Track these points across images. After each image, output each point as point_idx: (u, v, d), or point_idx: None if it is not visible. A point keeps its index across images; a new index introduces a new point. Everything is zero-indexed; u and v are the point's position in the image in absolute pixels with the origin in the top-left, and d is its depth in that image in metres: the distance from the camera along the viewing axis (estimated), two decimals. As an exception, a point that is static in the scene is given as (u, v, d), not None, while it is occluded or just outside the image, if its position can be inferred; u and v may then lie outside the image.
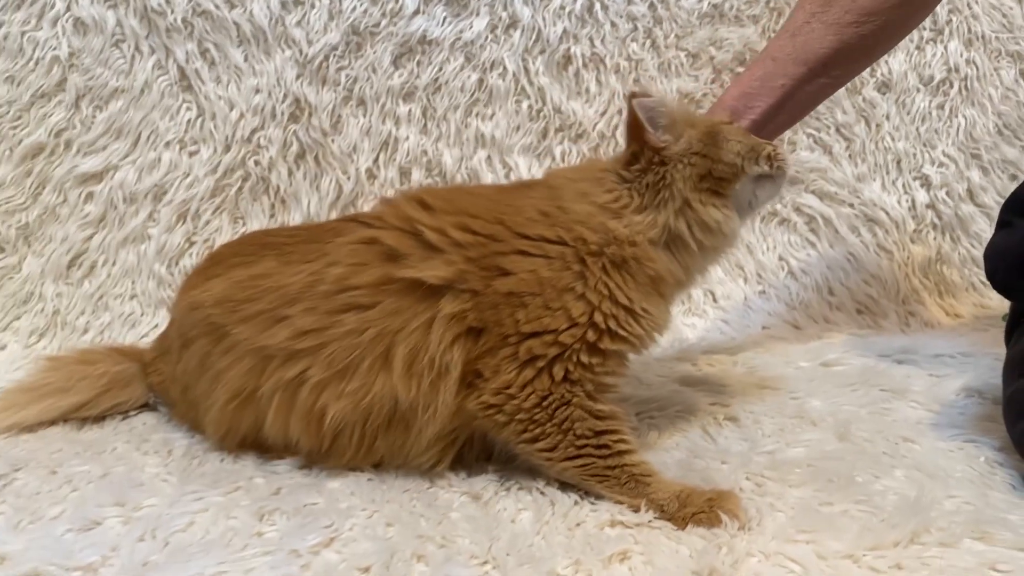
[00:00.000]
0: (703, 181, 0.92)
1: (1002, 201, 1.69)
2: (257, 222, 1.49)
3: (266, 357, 0.91)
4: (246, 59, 1.49)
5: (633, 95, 0.92)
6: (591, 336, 0.88)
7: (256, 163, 1.49)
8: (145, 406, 1.16)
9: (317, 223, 1.23)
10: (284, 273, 0.93)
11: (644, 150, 0.92)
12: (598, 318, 0.88)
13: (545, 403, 0.87)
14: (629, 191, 0.93)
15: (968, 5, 1.65)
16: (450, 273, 0.88)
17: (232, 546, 0.78)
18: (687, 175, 0.92)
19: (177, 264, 1.48)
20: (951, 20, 1.64)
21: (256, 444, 0.97)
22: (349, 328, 0.89)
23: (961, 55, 1.65)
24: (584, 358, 0.88)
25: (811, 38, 1.12)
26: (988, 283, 1.15)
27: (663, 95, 0.93)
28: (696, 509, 0.82)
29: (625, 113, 0.94)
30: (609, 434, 0.88)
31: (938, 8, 1.64)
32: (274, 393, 0.92)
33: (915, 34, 1.64)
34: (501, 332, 0.87)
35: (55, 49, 1.46)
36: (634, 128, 0.93)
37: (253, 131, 1.48)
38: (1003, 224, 1.07)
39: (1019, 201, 1.03)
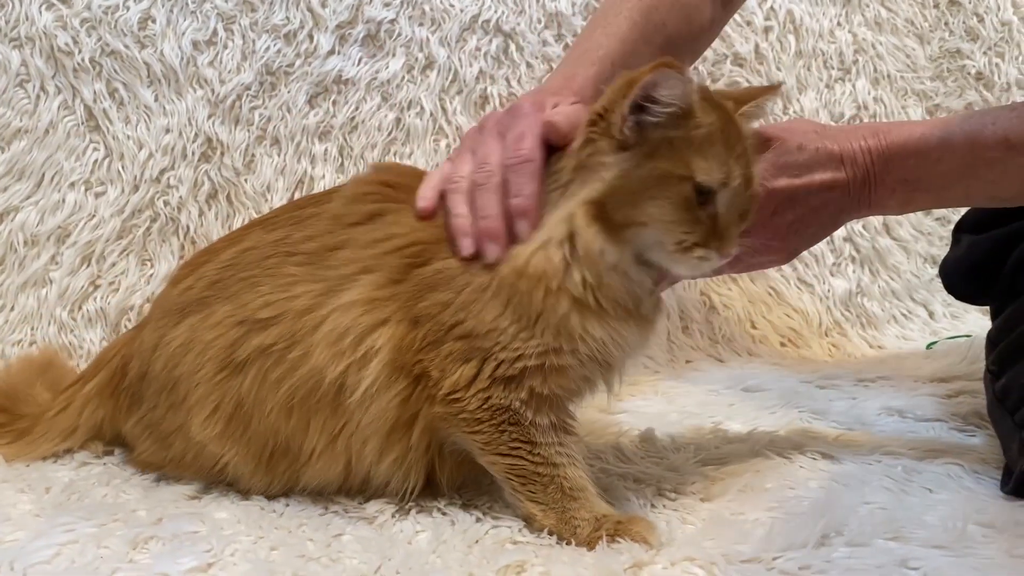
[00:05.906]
0: None
1: (918, 234, 1.73)
2: (166, 263, 1.43)
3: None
4: (156, 99, 1.46)
5: None
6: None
7: (165, 203, 1.44)
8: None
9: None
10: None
11: None
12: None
13: (486, 405, 0.81)
14: None
15: (872, 46, 1.70)
16: None
17: (99, 574, 0.72)
18: None
19: (80, 309, 1.40)
20: (857, 60, 1.69)
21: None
22: None
23: (869, 93, 1.69)
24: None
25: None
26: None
27: None
28: (604, 532, 0.77)
29: None
30: (546, 446, 0.82)
31: (844, 48, 1.69)
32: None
33: (824, 72, 1.68)
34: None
35: (-46, 90, 1.41)
36: None
37: (162, 171, 1.44)
38: (953, 243, 1.18)
39: (963, 222, 1.15)
